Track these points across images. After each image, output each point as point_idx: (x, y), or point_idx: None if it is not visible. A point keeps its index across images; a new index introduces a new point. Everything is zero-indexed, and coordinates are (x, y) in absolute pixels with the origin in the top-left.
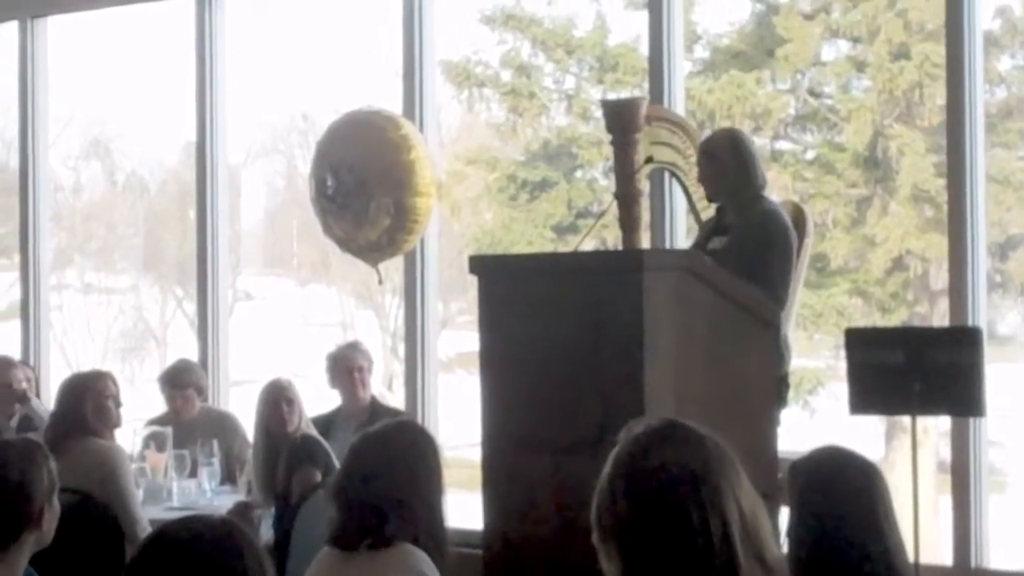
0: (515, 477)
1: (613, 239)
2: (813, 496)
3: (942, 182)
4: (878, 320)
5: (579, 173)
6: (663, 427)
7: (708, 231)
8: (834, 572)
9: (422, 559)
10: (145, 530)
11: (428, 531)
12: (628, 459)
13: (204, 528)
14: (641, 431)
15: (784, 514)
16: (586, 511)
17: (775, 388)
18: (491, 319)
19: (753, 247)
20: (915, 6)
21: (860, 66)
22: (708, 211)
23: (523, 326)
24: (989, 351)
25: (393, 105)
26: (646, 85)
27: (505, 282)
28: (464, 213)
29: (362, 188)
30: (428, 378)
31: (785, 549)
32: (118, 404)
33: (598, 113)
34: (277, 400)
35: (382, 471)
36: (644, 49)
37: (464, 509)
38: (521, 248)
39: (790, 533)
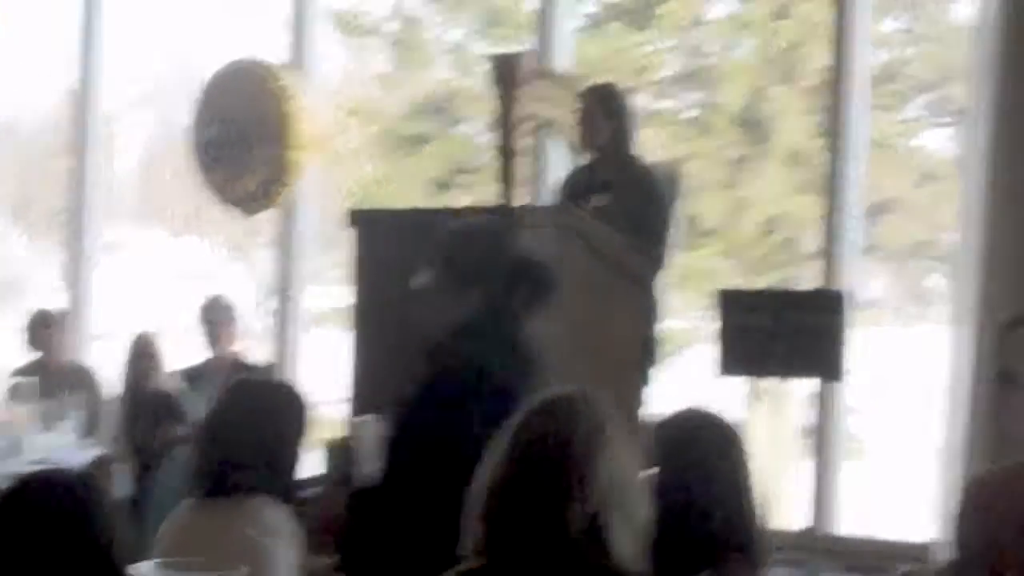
0: None
1: (491, 195)
2: (673, 457)
3: (818, 143)
4: (749, 282)
5: (459, 127)
6: (552, 397)
7: (580, 186)
8: (695, 533)
9: (278, 512)
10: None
11: (287, 484)
12: (513, 426)
13: (59, 484)
14: (537, 401)
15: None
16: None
17: (646, 347)
18: (364, 273)
19: (637, 205)
20: None
21: (743, 24)
22: None
23: (397, 281)
24: (856, 315)
25: (278, 53)
26: (532, 41)
27: (381, 236)
28: (343, 165)
29: (241, 138)
30: (298, 333)
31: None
32: None
33: (481, 68)
34: (140, 355)
35: (246, 423)
36: (531, 4)
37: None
38: (398, 203)
39: (653, 493)
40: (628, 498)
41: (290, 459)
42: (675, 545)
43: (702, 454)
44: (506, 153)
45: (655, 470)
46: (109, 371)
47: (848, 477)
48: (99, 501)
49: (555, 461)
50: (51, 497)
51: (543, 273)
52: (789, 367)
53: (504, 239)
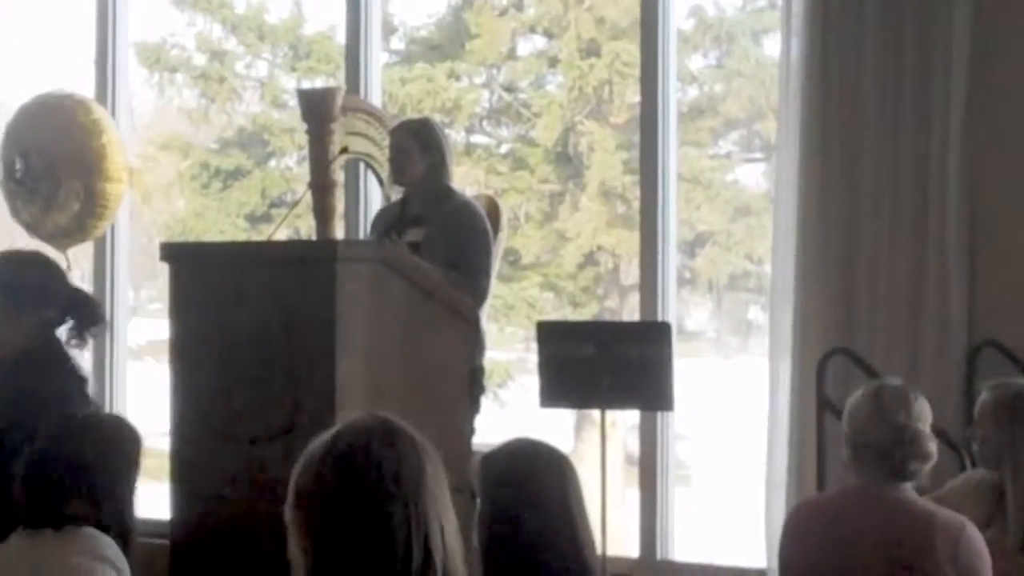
0: (204, 467)
1: (307, 229)
2: (503, 489)
3: (631, 178)
4: (569, 314)
5: (273, 162)
6: (374, 423)
7: (392, 221)
8: (524, 565)
9: (108, 544)
10: None
11: (116, 517)
12: (335, 453)
13: None
14: (351, 426)
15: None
16: (277, 499)
17: (469, 379)
18: (182, 308)
19: (455, 237)
20: (605, 3)
21: (552, 62)
22: None
23: (214, 315)
24: (677, 346)
25: (86, 89)
26: (341, 74)
27: (196, 270)
28: (156, 200)
29: (51, 172)
30: (117, 366)
31: (476, 542)
32: None
33: (292, 101)
34: None
35: (71, 454)
36: (340, 38)
37: (152, 499)
38: (214, 237)
39: (480, 525)
40: (447, 526)
41: (124, 493)
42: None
43: (531, 483)
44: (319, 188)
45: (480, 501)
46: None
47: (678, 504)
48: None
49: (381, 489)
50: None
51: (94, 305)
52: (616, 398)
53: (57, 269)
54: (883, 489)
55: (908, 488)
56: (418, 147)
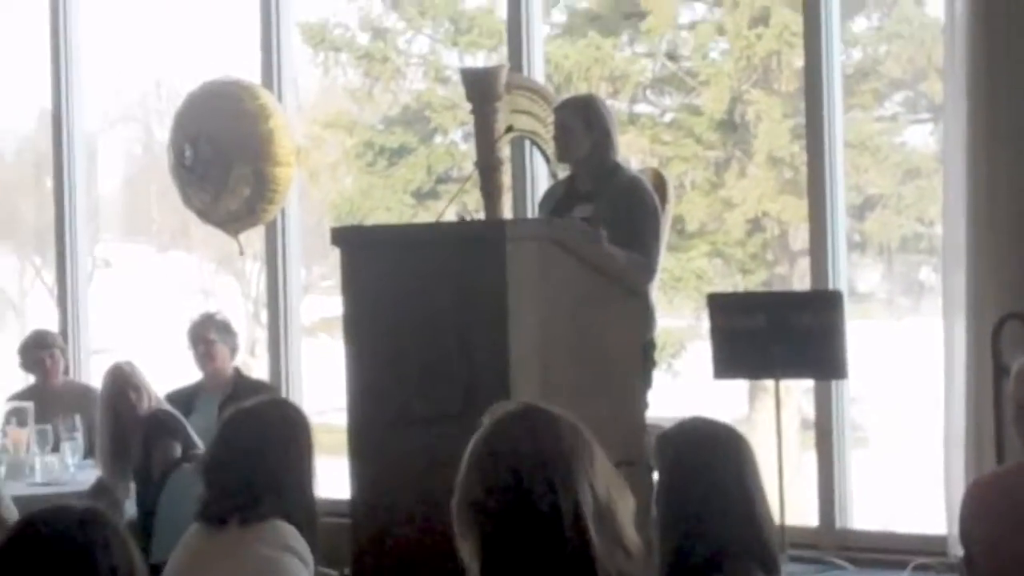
0: (381, 448)
1: (475, 203)
2: (681, 468)
3: (798, 145)
4: (738, 282)
5: (437, 138)
6: (517, 412)
7: (562, 198)
8: (705, 544)
9: (292, 534)
10: (8, 508)
11: (299, 507)
12: (482, 445)
13: (68, 521)
14: (497, 417)
15: (654, 482)
16: (452, 483)
17: (641, 354)
18: (354, 291)
19: (625, 215)
20: None
21: (719, 30)
22: None
23: (386, 297)
24: (849, 308)
25: (251, 70)
26: (503, 48)
27: (367, 253)
28: (323, 179)
29: (221, 158)
30: (291, 345)
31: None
32: None
33: (455, 77)
34: (123, 388)
35: (253, 447)
36: (501, 12)
37: (331, 476)
38: (381, 214)
39: (658, 503)
40: (617, 517)
41: (300, 480)
42: (684, 553)
43: (707, 462)
44: (486, 167)
45: (658, 479)
46: None
47: (856, 469)
48: (116, 535)
49: (539, 474)
50: (64, 537)
51: None
52: (789, 368)
53: None
54: None
55: None
56: (582, 124)
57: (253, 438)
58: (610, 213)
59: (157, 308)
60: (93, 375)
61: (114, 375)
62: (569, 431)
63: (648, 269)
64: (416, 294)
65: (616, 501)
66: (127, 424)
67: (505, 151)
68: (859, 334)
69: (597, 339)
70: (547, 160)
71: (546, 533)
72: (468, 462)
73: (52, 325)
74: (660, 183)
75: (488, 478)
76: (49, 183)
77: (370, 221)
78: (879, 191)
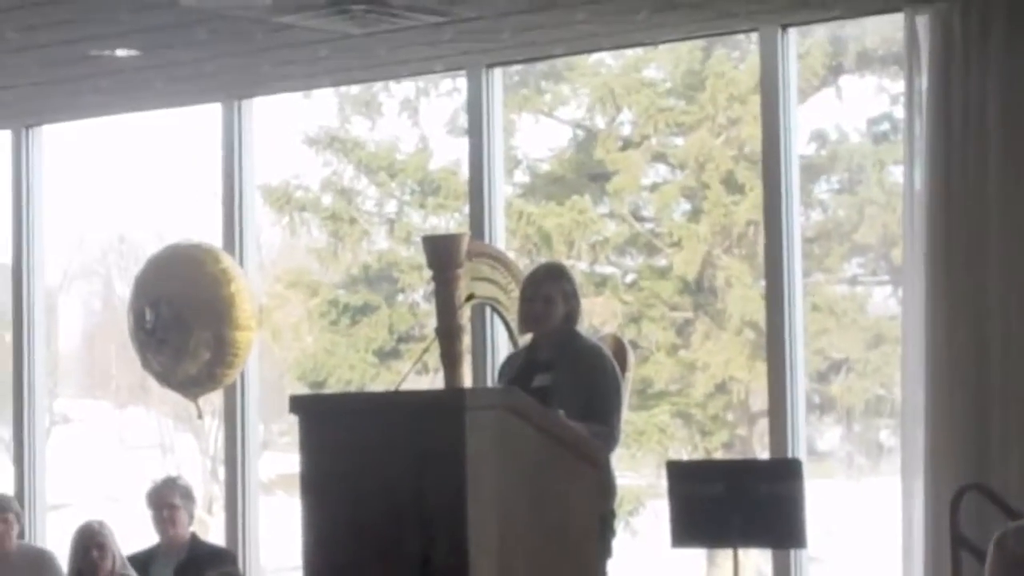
0: None
1: (435, 363)
2: None
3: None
4: (699, 442)
5: (400, 297)
6: None
7: (521, 367)
8: None
9: None
10: None
11: None
12: None
13: None
14: None
15: None
16: None
17: (600, 524)
18: (312, 456)
19: (587, 383)
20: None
21: (686, 191)
22: None
23: (345, 463)
24: (809, 467)
25: (213, 228)
26: (467, 209)
27: (326, 420)
28: (285, 337)
29: (181, 322)
30: (249, 502)
31: None
32: None
33: (419, 237)
34: (88, 547)
35: None
36: (465, 173)
37: None
38: (343, 373)
39: None
40: None
41: None
42: None
43: None
44: (447, 334)
45: None
46: (64, 548)
47: None
48: None
49: None
50: None
51: None
52: (749, 536)
53: None
54: None
55: None
56: (561, 296)
57: None
58: (571, 381)
59: (115, 463)
60: (49, 531)
61: (82, 533)
62: None
63: (610, 438)
64: (374, 461)
65: None
66: None
67: (466, 317)
68: (818, 493)
69: (555, 509)
70: (508, 327)
71: None
72: None
73: (7, 481)
74: (620, 349)
75: None
76: (8, 338)
77: (333, 379)
78: (843, 355)
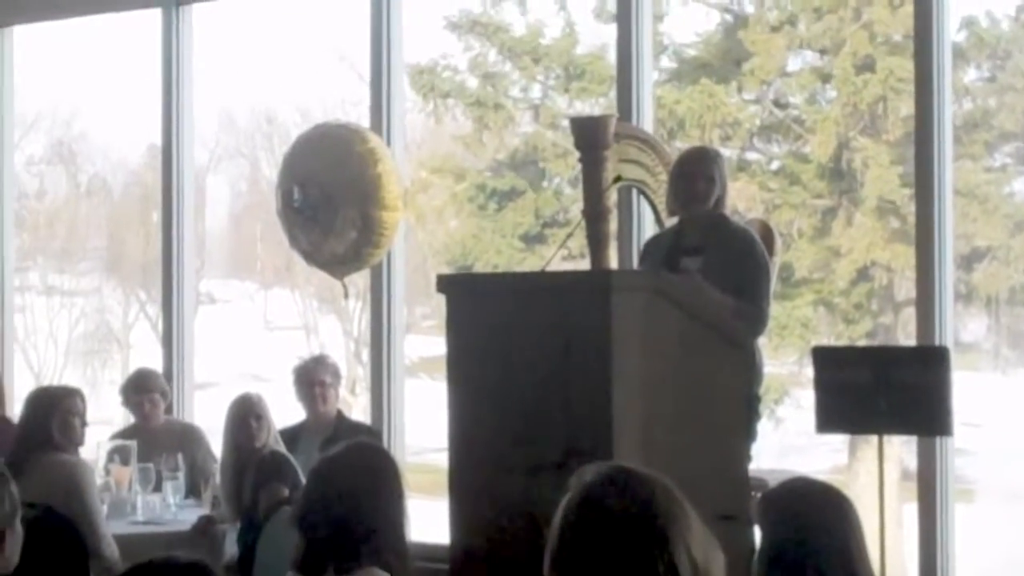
0: (481, 495)
1: (579, 247)
2: (784, 530)
3: (907, 193)
4: (842, 331)
5: (546, 182)
6: (611, 473)
7: (668, 250)
8: None
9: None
10: (110, 545)
11: (393, 553)
12: (576, 507)
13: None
14: (589, 479)
15: (756, 536)
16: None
17: (746, 407)
18: (458, 338)
19: (736, 266)
20: (880, 19)
21: (825, 78)
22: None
23: (490, 346)
24: (954, 358)
25: (359, 110)
26: (613, 94)
27: (473, 301)
28: (429, 221)
29: (329, 201)
30: (394, 385)
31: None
32: (84, 423)
33: (565, 123)
34: (246, 416)
35: (345, 496)
36: (611, 58)
37: (427, 517)
38: (490, 257)
39: (760, 563)
40: (711, 568)
41: (394, 526)
42: None
43: (809, 523)
44: (593, 216)
45: (761, 537)
46: (210, 426)
47: (960, 524)
48: None
49: (633, 539)
50: None
51: None
52: (894, 424)
53: None
54: None
55: None
56: (704, 177)
57: (342, 485)
58: (721, 265)
59: (259, 344)
60: (197, 410)
61: (240, 404)
62: (662, 494)
63: (759, 320)
64: (519, 343)
65: (712, 563)
66: (244, 456)
67: (612, 199)
68: (964, 385)
69: (701, 391)
70: (654, 209)
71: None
72: (559, 525)
73: (156, 359)
74: (768, 234)
75: (581, 541)
76: (156, 218)
77: (479, 265)
78: (987, 242)
